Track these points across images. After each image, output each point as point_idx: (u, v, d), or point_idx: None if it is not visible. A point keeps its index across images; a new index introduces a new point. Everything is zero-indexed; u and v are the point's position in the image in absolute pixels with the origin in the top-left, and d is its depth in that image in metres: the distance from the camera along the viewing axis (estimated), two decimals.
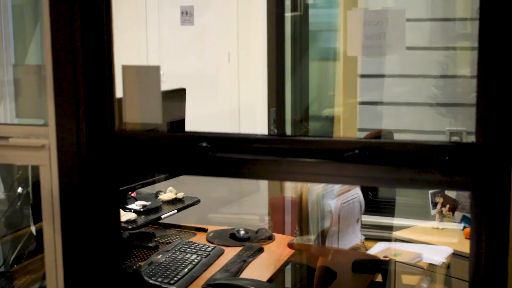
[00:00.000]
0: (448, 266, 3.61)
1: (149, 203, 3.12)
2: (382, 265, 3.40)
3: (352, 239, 3.58)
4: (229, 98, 4.44)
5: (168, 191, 3.30)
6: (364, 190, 3.66)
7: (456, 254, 3.60)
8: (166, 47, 4.53)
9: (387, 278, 3.40)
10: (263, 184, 4.19)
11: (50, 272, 1.79)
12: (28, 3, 3.17)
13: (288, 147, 1.61)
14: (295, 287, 4.20)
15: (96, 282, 1.80)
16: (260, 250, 3.06)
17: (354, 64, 4.40)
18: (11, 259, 2.46)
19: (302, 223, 3.62)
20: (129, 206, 3.03)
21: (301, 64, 4.53)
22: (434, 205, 3.97)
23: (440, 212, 3.94)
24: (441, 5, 4.39)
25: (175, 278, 2.67)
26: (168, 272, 2.70)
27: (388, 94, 4.48)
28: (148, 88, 1.85)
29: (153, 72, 1.86)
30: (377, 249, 3.73)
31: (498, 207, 1.42)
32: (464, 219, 3.88)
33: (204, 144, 1.66)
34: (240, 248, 3.07)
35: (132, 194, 3.18)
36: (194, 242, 3.06)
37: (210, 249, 2.99)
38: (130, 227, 2.88)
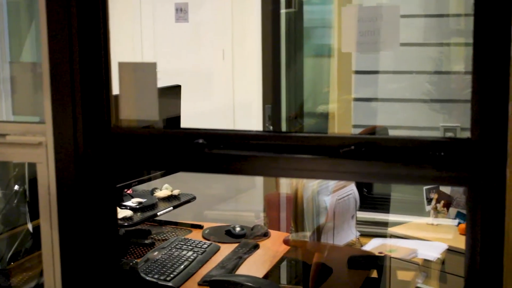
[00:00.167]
0: (443, 262, 3.62)
1: (145, 200, 3.12)
2: (377, 261, 3.41)
3: (347, 235, 3.59)
4: (224, 95, 4.45)
5: (164, 188, 3.31)
6: (359, 187, 3.67)
7: (451, 250, 3.61)
8: (160, 44, 4.54)
9: (382, 274, 3.41)
10: (259, 180, 4.20)
11: (48, 269, 1.80)
12: (23, 1, 3.16)
13: (284, 144, 1.62)
14: (290, 283, 4.21)
15: (93, 279, 1.81)
16: (256, 246, 3.07)
17: (348, 61, 4.41)
18: (8, 256, 2.46)
19: (297, 219, 3.63)
20: (125, 203, 3.03)
21: (296, 60, 4.53)
22: (429, 201, 3.98)
23: (435, 208, 3.95)
24: (435, 1, 4.40)
25: (172, 275, 2.67)
26: (164, 269, 2.71)
27: (382, 91, 4.48)
28: (144, 85, 1.85)
29: (149, 69, 1.87)
30: (372, 245, 3.74)
31: (493, 202, 1.43)
32: (458, 215, 3.89)
33: (200, 141, 1.67)
34: (236, 244, 3.07)
35: (128, 191, 3.18)
36: (190, 239, 3.07)
37: (206, 245, 3.00)
38: (126, 224, 2.88)
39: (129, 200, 3.08)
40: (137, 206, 3.04)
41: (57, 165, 1.75)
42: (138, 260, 2.75)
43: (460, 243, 3.58)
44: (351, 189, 3.59)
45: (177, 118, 3.13)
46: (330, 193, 3.54)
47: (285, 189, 3.72)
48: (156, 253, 2.87)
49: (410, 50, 4.30)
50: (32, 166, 2.17)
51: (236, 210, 4.29)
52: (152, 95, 1.86)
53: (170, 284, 2.61)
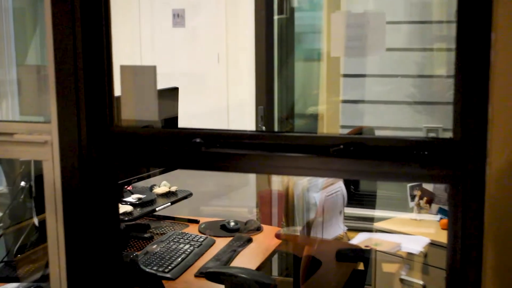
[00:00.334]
0: (425, 255, 3.62)
1: (144, 196, 3.12)
2: (363, 254, 3.42)
3: (336, 229, 3.60)
4: (219, 96, 4.44)
5: (162, 185, 3.31)
6: (346, 184, 3.68)
7: (433, 244, 3.61)
8: (158, 48, 4.53)
9: (368, 266, 3.41)
10: (252, 178, 4.20)
11: (53, 260, 1.80)
12: (28, 6, 3.16)
13: (278, 143, 1.63)
14: (282, 275, 4.21)
15: (96, 270, 1.81)
16: (249, 240, 3.08)
17: (337, 64, 4.40)
18: (15, 249, 2.46)
19: (288, 214, 3.64)
20: (125, 199, 3.04)
21: (287, 64, 4.53)
22: (412, 197, 3.98)
23: (418, 205, 3.95)
24: (419, 8, 4.39)
25: (170, 267, 2.68)
26: (163, 261, 2.72)
27: (369, 93, 4.48)
28: (145, 87, 1.86)
29: (149, 71, 1.87)
30: (359, 239, 3.74)
31: (473, 198, 1.44)
32: (440, 210, 3.90)
33: (197, 140, 1.67)
34: (230, 238, 3.08)
35: (128, 188, 3.18)
36: (187, 233, 3.07)
37: (202, 239, 3.00)
38: (126, 219, 2.88)
39: (129, 196, 3.08)
40: (137, 202, 3.05)
41: (62, 162, 1.75)
42: (138, 253, 2.76)
43: (442, 237, 3.58)
44: (339, 186, 3.60)
45: (175, 119, 3.13)
46: (320, 190, 3.54)
47: (277, 186, 3.72)
48: (155, 246, 2.87)
49: (395, 54, 4.30)
50: (38, 164, 2.17)
51: (231, 206, 4.29)
52: (152, 97, 1.86)
53: (168, 275, 2.62)
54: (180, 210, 3.45)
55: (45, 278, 2.33)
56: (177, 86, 3.15)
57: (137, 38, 4.50)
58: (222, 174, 4.09)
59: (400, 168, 1.52)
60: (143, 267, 2.60)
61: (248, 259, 2.88)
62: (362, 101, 4.53)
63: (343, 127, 4.49)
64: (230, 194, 4.33)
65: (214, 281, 2.51)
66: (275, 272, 4.21)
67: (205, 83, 4.47)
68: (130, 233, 3.00)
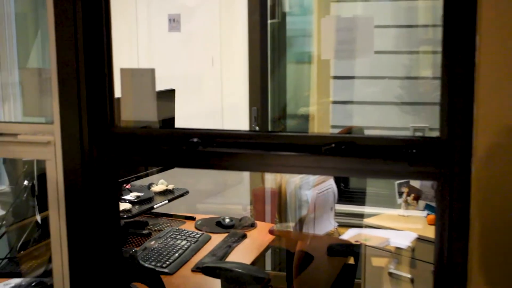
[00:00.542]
0: (413, 249, 3.63)
1: (143, 194, 3.12)
2: (354, 249, 3.43)
3: (327, 225, 3.61)
4: (213, 98, 4.44)
5: (160, 183, 3.31)
6: (337, 182, 3.69)
7: (420, 239, 3.62)
8: (155, 52, 4.53)
9: (358, 260, 3.42)
10: (246, 176, 4.20)
11: (56, 256, 1.80)
12: (30, 11, 3.15)
13: (272, 142, 1.63)
14: (275, 270, 4.22)
15: (97, 265, 1.81)
16: (244, 236, 3.08)
17: (327, 67, 4.40)
18: (18, 246, 2.46)
19: (281, 211, 3.65)
20: (124, 197, 3.04)
21: (279, 67, 4.54)
22: (400, 194, 3.99)
23: (406, 201, 3.95)
24: (406, 13, 4.40)
25: (167, 262, 2.68)
26: (160, 257, 2.72)
27: (358, 94, 4.49)
28: (144, 89, 1.86)
29: (148, 74, 1.87)
30: (349, 235, 3.75)
31: (460, 195, 1.44)
32: (427, 207, 3.90)
33: (195, 140, 1.68)
34: (226, 234, 3.08)
35: (127, 186, 3.18)
36: (184, 230, 3.08)
37: (198, 235, 3.00)
38: (125, 216, 2.88)
39: (128, 194, 3.08)
40: (135, 200, 3.05)
41: (64, 162, 1.75)
42: (137, 249, 2.76)
43: (429, 232, 3.59)
44: (330, 184, 3.61)
45: (172, 119, 3.13)
46: (311, 188, 3.55)
47: (270, 184, 3.73)
48: (153, 242, 2.88)
49: (383, 57, 4.30)
50: (40, 163, 2.17)
51: (226, 203, 4.29)
52: (150, 98, 1.87)
53: (166, 270, 2.62)
54: (177, 208, 3.45)
55: (47, 273, 2.33)
56: (173, 88, 3.16)
57: (134, 42, 4.50)
58: (217, 173, 4.09)
59: (389, 165, 1.53)
60: (142, 263, 2.60)
61: (242, 254, 2.88)
62: (352, 102, 4.53)
63: (333, 127, 4.50)
64: (225, 192, 4.34)
65: (210, 275, 2.51)
66: (268, 266, 4.22)
67: (200, 85, 4.47)
68: (129, 230, 3.01)
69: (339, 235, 3.71)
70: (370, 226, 3.87)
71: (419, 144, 1.49)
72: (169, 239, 2.92)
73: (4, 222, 2.55)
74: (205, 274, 2.53)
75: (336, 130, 4.49)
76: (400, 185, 4.01)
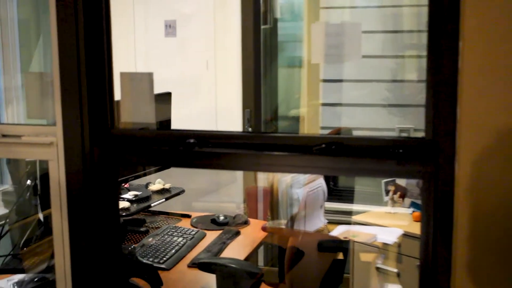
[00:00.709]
0: (399, 245, 3.64)
1: (140, 193, 3.12)
2: (343, 245, 3.43)
3: (317, 222, 3.62)
4: (207, 100, 4.44)
5: (157, 183, 3.31)
6: (327, 180, 3.70)
7: (406, 235, 3.63)
8: (152, 56, 4.53)
9: (347, 256, 3.42)
10: (239, 175, 4.20)
11: (58, 252, 1.80)
12: (32, 17, 3.15)
13: (265, 143, 1.64)
14: (267, 265, 4.22)
15: (98, 261, 1.82)
16: (238, 233, 3.09)
17: (317, 71, 4.41)
18: (21, 243, 2.46)
19: (273, 209, 3.65)
20: (123, 196, 3.04)
21: (271, 70, 4.54)
22: (387, 192, 4.00)
23: (392, 199, 3.96)
24: (392, 19, 4.41)
25: (164, 258, 2.68)
26: (158, 253, 2.72)
27: (346, 97, 4.49)
28: (143, 92, 1.86)
29: (147, 78, 1.88)
30: (338, 231, 3.75)
31: (444, 192, 1.45)
32: (412, 204, 3.92)
33: (191, 141, 1.68)
34: (220, 231, 3.09)
35: (125, 185, 3.18)
36: (180, 227, 3.08)
37: (194, 232, 3.01)
38: (124, 214, 2.88)
39: (126, 193, 3.08)
40: (133, 198, 3.05)
41: (66, 162, 1.75)
42: (135, 245, 2.76)
43: (414, 228, 3.60)
44: (320, 182, 3.61)
45: (168, 121, 3.13)
46: (302, 186, 3.56)
47: (263, 183, 3.73)
48: (150, 239, 2.88)
49: (371, 61, 4.31)
50: (43, 163, 2.18)
51: (220, 202, 4.29)
52: (149, 101, 1.87)
53: (163, 266, 2.62)
54: (174, 206, 3.45)
55: (49, 269, 2.33)
56: (170, 91, 3.16)
57: (132, 47, 4.50)
58: (211, 172, 4.09)
59: (377, 164, 1.54)
60: (140, 259, 2.61)
61: (236, 250, 2.89)
62: (340, 104, 4.54)
63: (323, 128, 4.50)
64: (220, 191, 4.33)
65: (205, 270, 2.52)
66: (261, 262, 4.22)
67: (195, 88, 4.47)
68: (128, 227, 3.01)
69: (329, 232, 3.72)
70: (358, 223, 3.88)
71: (405, 144, 1.50)
72: (166, 236, 2.92)
73: (7, 220, 2.55)
74: (201, 269, 2.54)
75: (326, 131, 4.49)
76: (386, 183, 4.02)
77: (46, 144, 1.76)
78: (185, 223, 3.21)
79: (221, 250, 2.85)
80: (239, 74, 4.28)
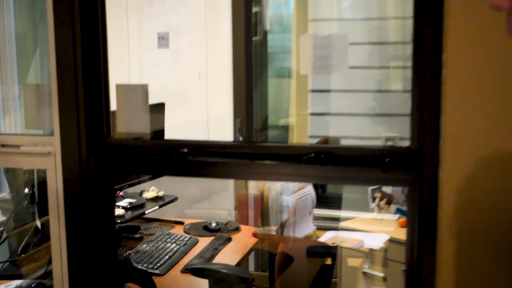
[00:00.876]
0: (385, 250, 3.65)
1: (135, 200, 3.12)
2: (331, 250, 3.44)
3: (306, 229, 3.63)
4: (199, 110, 4.45)
5: (151, 190, 3.31)
6: (315, 188, 3.71)
7: (391, 240, 3.64)
8: (145, 67, 4.53)
9: (335, 261, 3.43)
10: (231, 183, 4.20)
11: (56, 258, 1.81)
12: (30, 31, 3.16)
13: (257, 152, 1.65)
14: (258, 270, 4.22)
15: (94, 267, 1.82)
16: (229, 239, 3.09)
17: (305, 81, 4.42)
18: (19, 249, 2.46)
19: (263, 216, 3.66)
20: (118, 203, 3.03)
21: (261, 81, 4.56)
22: (373, 199, 4.01)
23: (378, 205, 3.97)
24: (377, 31, 4.44)
25: (158, 264, 2.68)
26: (152, 259, 2.72)
27: (334, 106, 4.51)
28: (138, 103, 1.87)
29: (141, 89, 1.89)
30: (326, 237, 3.76)
31: (429, 199, 1.46)
32: (398, 210, 3.93)
33: (185, 150, 1.69)
34: (212, 238, 3.09)
35: (120, 193, 3.18)
36: (173, 233, 3.07)
37: (187, 239, 3.01)
38: (119, 221, 2.88)
39: (121, 200, 3.08)
40: (128, 206, 3.04)
41: (64, 171, 1.76)
42: (130, 252, 2.76)
43: (400, 234, 3.61)
44: (309, 190, 3.63)
45: (162, 131, 3.13)
46: (291, 194, 3.57)
47: (253, 190, 3.73)
48: (144, 245, 2.88)
49: (357, 72, 4.33)
50: (40, 172, 2.18)
51: (212, 209, 4.29)
52: (144, 112, 1.88)
53: (157, 271, 2.62)
54: (167, 213, 3.45)
55: (47, 275, 2.33)
56: (163, 101, 3.16)
57: (126, 58, 4.50)
58: (204, 180, 4.09)
59: (365, 173, 1.55)
60: (135, 264, 2.61)
61: (228, 256, 2.89)
62: (328, 114, 4.56)
63: (311, 137, 4.52)
64: (211, 198, 4.33)
65: (198, 276, 2.52)
66: (252, 267, 4.21)
67: (187, 98, 4.48)
68: (122, 234, 3.00)
69: (317, 238, 3.73)
70: (346, 229, 3.89)
71: (391, 153, 1.51)
72: (159, 243, 2.92)
73: (5, 227, 2.55)
74: (194, 274, 2.54)
75: (314, 140, 4.51)
76: (373, 190, 4.03)
77: (44, 153, 1.77)
78: (178, 230, 3.21)
79: (213, 256, 2.85)
80: (229, 85, 4.29)
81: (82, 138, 1.74)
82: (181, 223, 3.32)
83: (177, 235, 3.04)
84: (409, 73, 1.49)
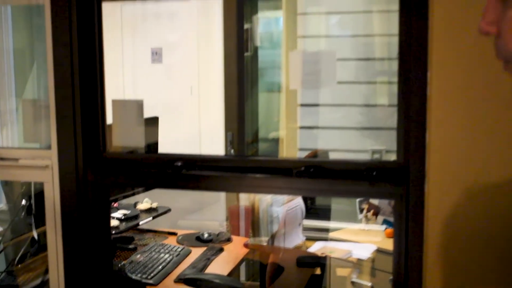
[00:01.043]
0: (373, 260, 3.65)
1: (129, 212, 3.12)
2: (320, 261, 3.43)
3: (296, 239, 3.63)
4: (191, 124, 4.46)
5: (145, 202, 3.30)
6: (305, 199, 3.71)
7: (379, 250, 3.64)
8: (139, 82, 4.54)
9: (324, 271, 3.43)
10: (222, 195, 4.20)
11: (53, 268, 1.81)
12: (27, 46, 3.16)
13: (248, 166, 1.66)
14: (249, 280, 4.21)
15: (90, 277, 1.82)
16: (221, 250, 3.08)
17: (295, 96, 4.44)
18: (16, 259, 2.45)
19: (254, 227, 3.66)
20: (112, 215, 3.03)
21: (252, 95, 4.57)
22: (361, 210, 4.02)
23: (366, 216, 3.98)
24: (364, 47, 4.46)
25: (152, 274, 2.68)
26: (146, 269, 2.72)
27: (322, 120, 4.52)
28: (133, 118, 1.88)
29: (137, 105, 1.90)
30: (316, 247, 3.76)
31: (415, 211, 1.48)
32: (385, 221, 3.93)
33: (179, 164, 1.70)
34: (205, 248, 3.08)
35: (115, 205, 3.18)
36: (167, 244, 3.07)
37: (180, 249, 3.00)
38: (113, 232, 2.88)
39: (116, 212, 3.08)
40: (123, 217, 3.04)
41: (61, 184, 1.77)
42: (124, 262, 2.76)
43: (387, 244, 3.62)
44: (298, 201, 3.63)
45: (156, 144, 3.14)
46: (281, 205, 3.58)
47: (244, 202, 3.73)
48: (138, 256, 2.87)
49: (345, 87, 4.34)
50: (37, 184, 2.18)
51: (204, 220, 4.28)
52: (139, 126, 1.89)
53: (151, 281, 2.62)
54: (161, 224, 3.44)
55: (43, 284, 2.32)
56: (157, 115, 3.17)
57: (120, 72, 4.51)
58: (196, 192, 4.08)
59: (353, 186, 1.57)
60: (129, 275, 2.60)
61: (220, 266, 2.88)
62: (317, 127, 4.57)
63: (300, 149, 4.53)
64: (204, 210, 4.33)
65: (191, 286, 2.52)
66: (243, 277, 4.20)
67: (180, 112, 4.49)
68: (117, 245, 3.00)
69: (307, 248, 3.73)
70: (335, 239, 3.89)
71: (378, 167, 1.53)
72: (153, 253, 2.92)
73: (2, 238, 2.54)
74: (187, 284, 2.54)
75: (303, 153, 4.51)
76: (360, 202, 4.04)
77: (42, 167, 1.78)
78: (171, 241, 3.20)
79: (205, 266, 2.85)
80: (221, 99, 4.31)
81: (79, 151, 1.75)
82: (174, 234, 3.32)
83: (170, 246, 3.03)
84: (394, 88, 1.52)
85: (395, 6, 1.50)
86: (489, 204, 1.41)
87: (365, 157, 4.35)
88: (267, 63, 4.75)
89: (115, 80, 4.47)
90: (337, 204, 4.33)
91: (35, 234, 2.38)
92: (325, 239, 3.94)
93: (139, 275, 2.64)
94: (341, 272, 3.72)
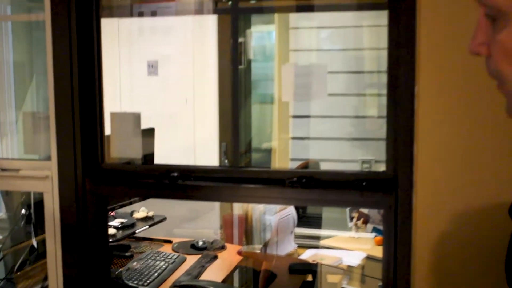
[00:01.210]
0: (363, 267, 3.66)
1: (126, 220, 3.11)
2: (311, 267, 3.45)
3: (288, 247, 3.64)
4: (186, 135, 4.46)
5: (141, 211, 3.30)
6: (296, 208, 3.72)
7: (369, 258, 3.65)
8: (135, 93, 4.54)
9: (315, 277, 3.44)
10: (216, 204, 4.20)
11: (52, 276, 1.81)
12: (27, 60, 3.18)
13: (242, 176, 1.67)
14: (243, 287, 4.21)
15: (89, 283, 1.82)
16: (215, 257, 3.08)
17: (287, 107, 4.45)
18: (16, 267, 2.45)
19: (248, 235, 3.66)
20: (110, 223, 3.03)
21: (245, 107, 4.58)
22: (351, 219, 4.03)
23: (356, 225, 3.99)
24: (354, 60, 4.49)
25: (148, 281, 2.68)
26: (142, 276, 2.71)
27: (314, 131, 4.54)
28: (130, 130, 1.89)
29: (134, 117, 1.91)
30: (307, 255, 3.76)
31: (403, 220, 1.49)
32: (374, 229, 3.94)
33: (175, 174, 1.71)
34: (199, 256, 3.08)
35: (112, 213, 3.17)
36: (162, 252, 3.07)
37: (175, 257, 3.00)
38: (110, 240, 2.87)
39: (113, 220, 3.07)
40: (119, 226, 3.04)
41: (60, 194, 1.77)
42: (121, 269, 2.76)
43: (376, 252, 3.63)
44: (290, 210, 3.64)
45: (152, 155, 3.14)
46: (274, 214, 3.59)
47: (238, 210, 3.74)
48: (135, 263, 2.87)
49: (336, 99, 4.36)
50: (36, 193, 2.18)
51: (199, 228, 4.28)
52: (136, 138, 1.90)
53: None
54: (156, 232, 3.44)
55: None
56: (153, 127, 3.18)
57: (117, 85, 4.51)
58: (191, 201, 4.08)
59: (343, 196, 1.58)
60: (126, 282, 2.60)
61: (214, 273, 2.89)
62: (308, 138, 4.58)
63: (292, 159, 4.54)
64: (198, 218, 4.32)
65: None
66: (237, 284, 4.20)
67: (175, 124, 4.49)
68: (114, 252, 3.00)
69: (299, 255, 3.73)
70: (326, 247, 3.90)
71: (368, 178, 1.54)
72: (149, 260, 2.92)
73: (2, 246, 2.54)
74: None
75: (295, 162, 4.52)
76: (351, 210, 4.05)
77: (42, 177, 1.78)
78: (167, 248, 3.20)
79: (200, 273, 2.85)
80: (215, 110, 4.32)
81: (78, 162, 1.76)
82: (169, 241, 3.32)
83: (166, 253, 3.03)
84: (383, 100, 1.53)
85: (384, 21, 1.51)
86: (477, 214, 1.42)
87: (355, 166, 4.37)
88: (260, 76, 4.76)
89: (112, 91, 4.47)
90: (328, 212, 4.34)
91: (34, 242, 2.38)
92: (316, 247, 3.94)
93: (135, 282, 2.64)
94: (331, 278, 3.72)
